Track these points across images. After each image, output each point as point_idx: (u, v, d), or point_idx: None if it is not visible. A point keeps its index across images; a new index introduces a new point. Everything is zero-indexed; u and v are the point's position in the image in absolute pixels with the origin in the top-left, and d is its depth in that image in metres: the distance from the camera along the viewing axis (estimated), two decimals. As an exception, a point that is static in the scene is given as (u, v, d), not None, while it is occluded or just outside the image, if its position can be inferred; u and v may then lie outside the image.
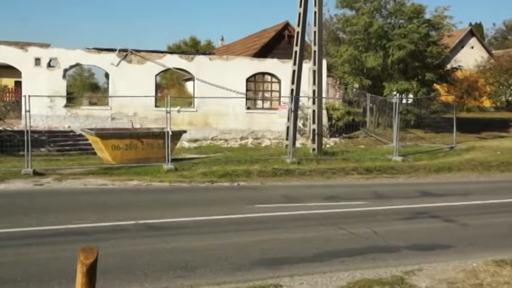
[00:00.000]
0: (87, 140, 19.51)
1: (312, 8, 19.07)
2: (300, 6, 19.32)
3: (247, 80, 26.11)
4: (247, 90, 26.16)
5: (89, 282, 3.55)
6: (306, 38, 21.96)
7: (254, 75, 26.59)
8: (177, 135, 18.10)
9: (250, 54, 32.11)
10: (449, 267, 7.18)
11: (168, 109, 17.00)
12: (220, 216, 10.38)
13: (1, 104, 20.57)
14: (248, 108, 26.19)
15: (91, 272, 3.55)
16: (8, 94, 30.44)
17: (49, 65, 23.74)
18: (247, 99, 26.27)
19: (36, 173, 15.06)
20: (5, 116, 20.49)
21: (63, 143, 21.22)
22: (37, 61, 23.55)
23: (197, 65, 25.37)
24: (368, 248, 8.23)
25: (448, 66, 30.68)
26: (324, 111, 23.62)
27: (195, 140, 24.05)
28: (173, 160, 16.80)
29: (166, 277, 6.66)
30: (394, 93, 27.10)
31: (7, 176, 14.58)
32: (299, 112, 21.31)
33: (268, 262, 7.41)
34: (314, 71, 19.10)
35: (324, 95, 23.39)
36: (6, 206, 11.16)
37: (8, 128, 20.74)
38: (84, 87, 59.17)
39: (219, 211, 10.80)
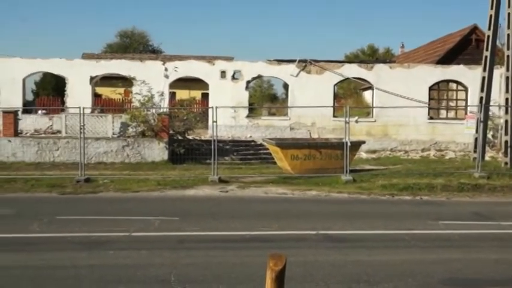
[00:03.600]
0: (267, 149, 20.17)
1: (504, 9, 17.58)
2: (491, 8, 17.94)
3: (430, 88, 24.96)
4: (429, 99, 25.01)
5: (278, 288, 3.55)
6: (497, 42, 20.30)
7: (437, 83, 25.34)
8: (356, 146, 17.88)
9: (433, 61, 30.65)
10: None
11: (346, 119, 16.85)
12: (402, 231, 9.94)
13: (191, 115, 22.13)
14: (431, 118, 25.01)
15: (280, 279, 3.56)
16: (195, 105, 32.77)
17: (233, 77, 25.08)
18: (429, 108, 25.11)
19: (221, 181, 15.91)
20: (194, 127, 22.04)
21: (245, 152, 22.19)
22: (222, 74, 25.02)
23: (376, 73, 24.89)
24: None
25: None
26: (518, 121, 21.57)
27: (373, 151, 23.56)
28: (351, 171, 16.59)
29: (347, 290, 6.52)
30: None
31: (196, 183, 15.63)
32: (489, 122, 19.75)
33: (457, 283, 6.91)
34: (507, 78, 17.56)
35: (517, 103, 21.41)
36: (197, 211, 11.93)
37: (197, 138, 22.32)
38: (264, 98, 61.68)
39: (401, 225, 10.37)
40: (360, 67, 25.53)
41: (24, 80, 24.93)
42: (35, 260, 7.70)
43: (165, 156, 19.96)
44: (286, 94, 31.42)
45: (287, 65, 25.04)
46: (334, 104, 25.99)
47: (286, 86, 27.31)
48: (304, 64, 24.94)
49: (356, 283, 6.74)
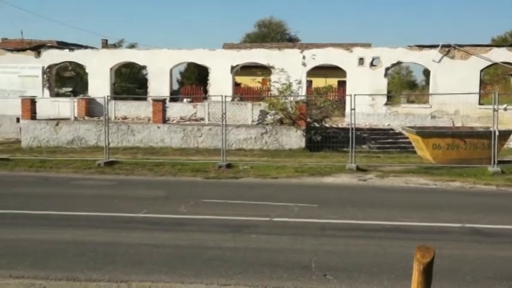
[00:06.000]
0: (406, 138, 19.57)
1: None
2: None
3: None
4: None
5: (425, 281, 3.51)
6: None
7: None
8: (505, 135, 16.72)
9: None
10: None
11: (495, 107, 15.81)
12: (560, 227, 9.15)
13: (327, 102, 22.11)
14: None
15: (427, 271, 3.49)
16: (332, 93, 32.64)
17: (371, 64, 24.57)
18: None
19: (359, 169, 15.73)
20: (330, 114, 22.00)
21: (383, 141, 21.72)
22: (360, 61, 24.62)
23: (529, 57, 23.02)
24: None
25: None
26: None
27: (524, 141, 21.83)
28: (499, 162, 15.55)
29: (498, 286, 6.22)
30: None
31: (333, 170, 15.61)
32: None
33: None
34: None
35: None
36: (335, 198, 11.94)
37: (334, 125, 22.26)
38: (402, 85, 59.79)
39: (558, 222, 9.53)
40: (509, 51, 23.74)
41: (171, 70, 26.48)
42: (184, 239, 8.20)
43: (302, 143, 20.16)
44: (427, 81, 30.18)
45: (429, 50, 24.01)
46: (480, 90, 24.46)
47: (426, 73, 26.20)
48: (448, 49, 23.74)
49: (508, 280, 6.35)
